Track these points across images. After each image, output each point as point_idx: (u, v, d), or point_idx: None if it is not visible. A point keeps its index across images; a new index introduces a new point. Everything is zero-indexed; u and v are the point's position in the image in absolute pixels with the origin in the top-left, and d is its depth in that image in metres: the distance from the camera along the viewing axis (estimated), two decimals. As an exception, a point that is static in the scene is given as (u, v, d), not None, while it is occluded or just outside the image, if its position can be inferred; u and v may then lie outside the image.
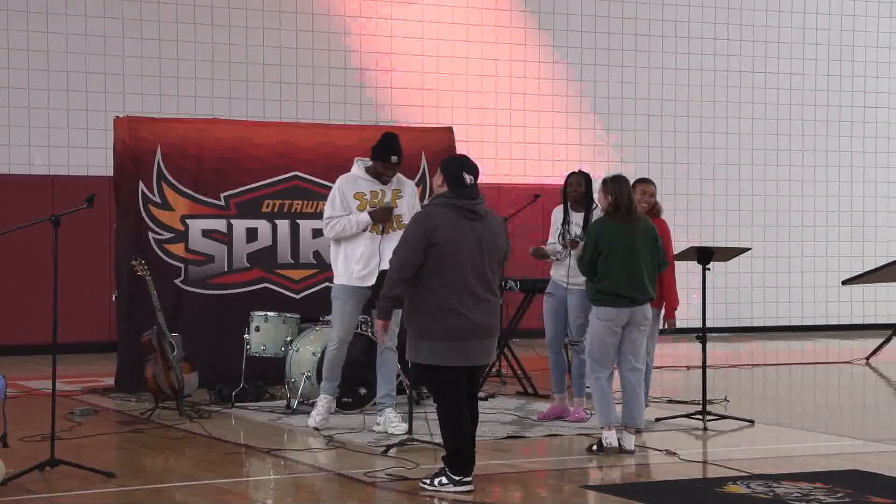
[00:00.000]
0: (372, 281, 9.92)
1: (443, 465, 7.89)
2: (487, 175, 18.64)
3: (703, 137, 20.40)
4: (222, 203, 12.61)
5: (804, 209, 20.98)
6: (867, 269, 18.76)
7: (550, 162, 19.19)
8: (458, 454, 7.82)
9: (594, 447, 9.23)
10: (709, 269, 10.70)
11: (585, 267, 9.33)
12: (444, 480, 7.81)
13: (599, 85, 19.80)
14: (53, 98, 16.92)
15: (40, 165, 16.83)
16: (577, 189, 10.59)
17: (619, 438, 9.25)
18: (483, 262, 7.89)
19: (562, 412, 10.68)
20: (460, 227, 7.85)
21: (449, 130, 13.95)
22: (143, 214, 12.32)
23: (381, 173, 10.14)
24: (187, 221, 12.48)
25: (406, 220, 10.05)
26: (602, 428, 9.25)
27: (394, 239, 9.92)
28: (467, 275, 7.82)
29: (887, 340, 16.71)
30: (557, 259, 10.60)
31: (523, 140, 19.34)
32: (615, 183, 9.27)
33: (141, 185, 12.34)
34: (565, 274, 10.50)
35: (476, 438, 8.18)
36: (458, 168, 7.97)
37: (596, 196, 9.82)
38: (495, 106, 19.19)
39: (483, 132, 18.95)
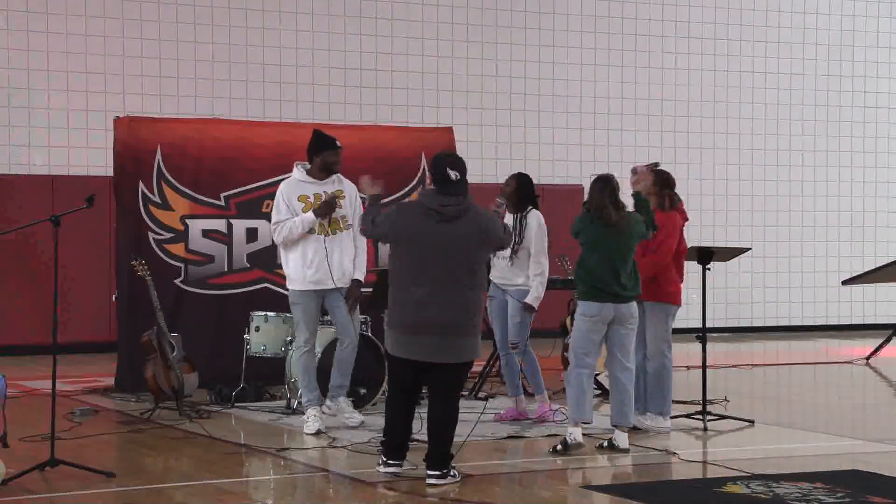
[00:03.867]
0: (327, 284, 9.98)
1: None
2: (487, 175, 18.69)
3: (703, 137, 20.39)
4: (222, 203, 12.61)
5: (804, 209, 20.97)
6: (867, 269, 18.75)
7: (550, 162, 19.19)
8: (389, 440, 8.27)
9: (558, 447, 9.12)
10: (709, 269, 10.69)
11: None
12: (380, 461, 8.34)
13: (600, 85, 19.79)
14: (53, 98, 16.92)
15: (40, 165, 16.83)
16: (503, 191, 10.26)
17: (611, 438, 9.24)
18: (448, 260, 8.02)
19: (519, 415, 10.56)
20: (426, 227, 8.03)
21: (449, 130, 13.94)
22: (143, 214, 12.31)
23: (329, 165, 10.10)
24: (187, 221, 12.48)
25: (351, 220, 10.07)
26: (571, 424, 9.16)
27: (341, 240, 10.02)
28: (427, 270, 8.01)
29: (887, 340, 16.69)
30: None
31: (523, 140, 19.33)
32: (592, 183, 9.28)
33: (141, 185, 12.33)
34: (500, 276, 10.47)
35: (472, 438, 8.17)
36: (442, 165, 8.18)
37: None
38: (495, 106, 19.18)
39: (483, 132, 18.94)
